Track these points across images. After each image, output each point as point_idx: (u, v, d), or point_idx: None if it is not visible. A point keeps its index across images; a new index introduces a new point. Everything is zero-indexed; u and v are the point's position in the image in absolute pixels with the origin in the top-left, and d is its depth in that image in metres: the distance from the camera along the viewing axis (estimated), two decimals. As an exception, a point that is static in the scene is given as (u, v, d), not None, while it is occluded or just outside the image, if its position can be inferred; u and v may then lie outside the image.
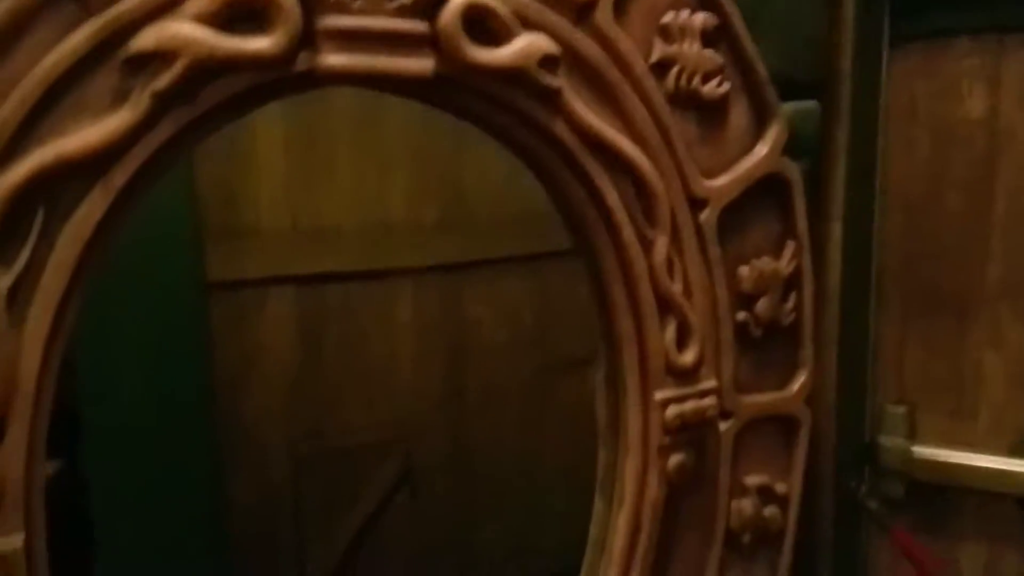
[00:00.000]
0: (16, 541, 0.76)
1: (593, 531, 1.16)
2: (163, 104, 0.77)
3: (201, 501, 1.93)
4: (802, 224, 1.14)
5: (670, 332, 1.07)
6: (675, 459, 1.09)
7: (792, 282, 1.15)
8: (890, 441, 1.48)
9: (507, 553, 2.28)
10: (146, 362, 1.90)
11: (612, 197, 0.99)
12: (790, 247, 1.15)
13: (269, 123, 2.07)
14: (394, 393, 2.20)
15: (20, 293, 0.74)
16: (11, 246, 0.74)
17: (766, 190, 1.12)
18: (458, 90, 0.91)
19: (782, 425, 1.20)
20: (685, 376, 1.09)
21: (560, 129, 0.95)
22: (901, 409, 1.49)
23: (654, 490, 1.09)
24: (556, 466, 2.31)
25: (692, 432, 1.10)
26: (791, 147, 1.12)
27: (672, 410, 1.08)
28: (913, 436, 1.48)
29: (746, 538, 1.18)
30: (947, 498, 1.48)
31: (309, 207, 2.14)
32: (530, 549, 2.25)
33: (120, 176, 0.77)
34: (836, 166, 1.30)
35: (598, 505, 1.16)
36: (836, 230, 1.31)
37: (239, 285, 2.05)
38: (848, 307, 1.34)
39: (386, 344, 2.22)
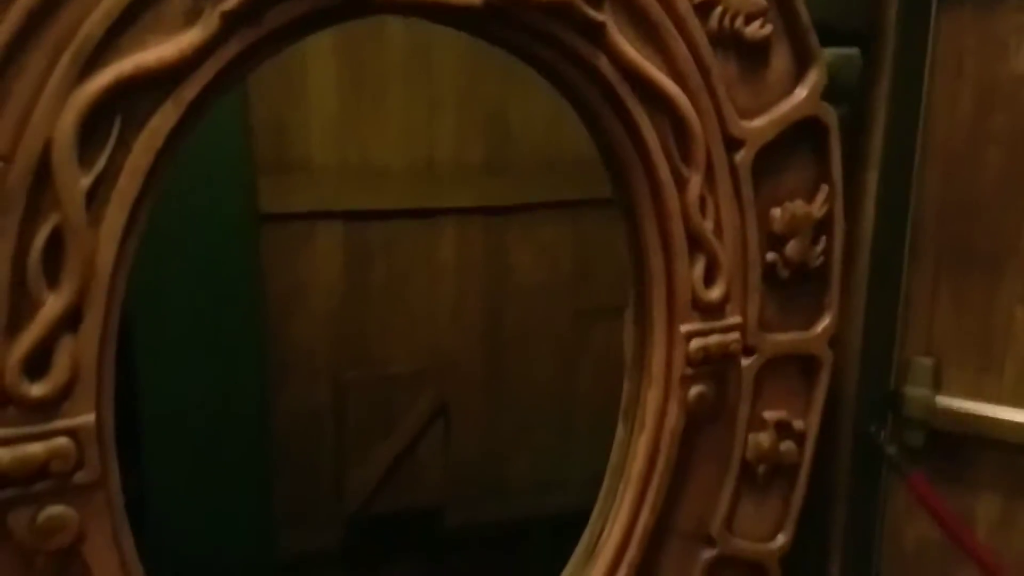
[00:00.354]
0: (89, 419, 0.84)
1: (614, 457, 1.22)
2: (231, 24, 0.83)
3: (247, 421, 2.03)
4: (836, 169, 1.17)
5: (699, 268, 1.11)
6: (696, 390, 1.15)
7: (823, 226, 1.18)
8: (914, 391, 1.51)
9: (536, 486, 2.36)
10: (199, 289, 2.00)
11: (650, 134, 1.03)
12: (823, 191, 1.18)
13: (322, 60, 2.13)
14: (433, 328, 2.28)
15: (98, 194, 0.81)
16: (91, 150, 0.80)
17: (803, 134, 1.15)
18: (505, 22, 0.95)
19: (804, 365, 1.24)
20: (711, 311, 1.13)
21: (602, 64, 0.99)
22: (928, 361, 1.51)
23: (674, 418, 1.14)
24: (586, 407, 2.38)
25: (714, 365, 1.15)
26: (830, 93, 1.14)
27: (696, 343, 1.13)
28: (938, 387, 1.51)
29: (761, 470, 1.23)
30: (967, 449, 1.51)
31: (358, 144, 2.21)
32: (558, 483, 2.33)
33: (190, 91, 0.84)
34: (876, 115, 1.31)
35: (620, 432, 1.22)
36: (872, 179, 1.33)
37: (289, 218, 2.14)
38: (880, 256, 1.37)
39: (428, 281, 2.29)
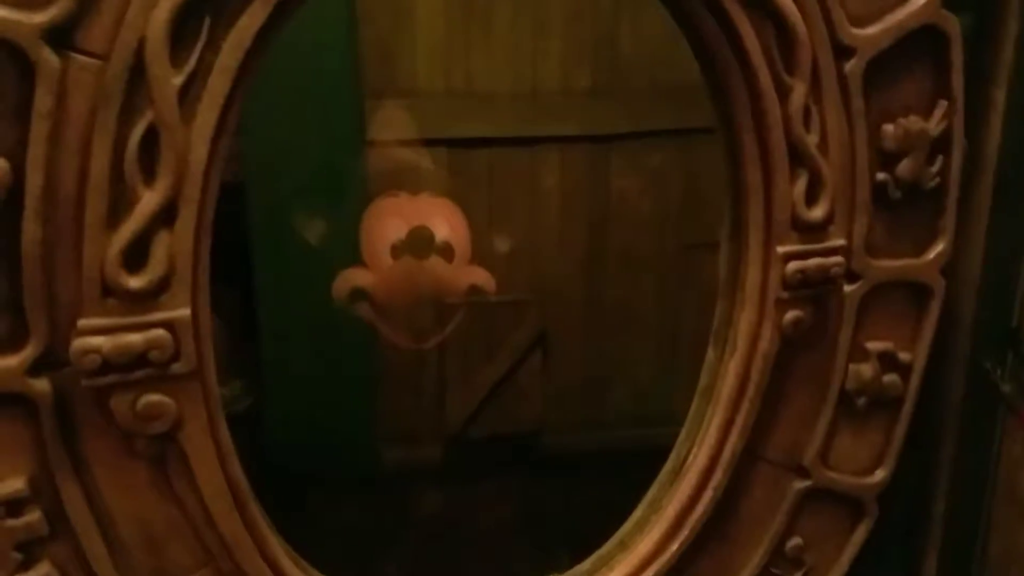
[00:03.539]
0: (185, 313, 0.87)
1: (703, 379, 1.20)
2: (317, -78, 0.83)
3: (356, 340, 2.09)
4: (957, 83, 1.08)
5: (800, 185, 1.05)
6: (792, 314, 1.10)
7: (940, 144, 1.10)
8: (1038, 330, 1.41)
9: (634, 419, 2.36)
10: (312, 208, 2.06)
11: (750, 38, 0.98)
12: (941, 107, 1.09)
13: (430, -15, 2.13)
14: (535, 256, 2.28)
15: (190, 92, 0.83)
16: (182, 50, 0.82)
17: (921, 43, 1.06)
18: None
19: (913, 293, 1.17)
20: (812, 232, 1.08)
21: (699, -39, 0.94)
22: (1054, 298, 1.40)
23: (767, 342, 1.10)
24: (688, 341, 2.34)
25: (813, 289, 1.10)
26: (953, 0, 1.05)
27: (793, 265, 1.08)
28: (1064, 327, 1.40)
29: (861, 401, 1.18)
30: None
31: (463, 70, 2.20)
32: (657, 417, 2.31)
33: (278, -10, 0.84)
34: (1006, 27, 1.20)
35: (710, 354, 1.19)
36: (999, 96, 1.23)
37: (395, 144, 2.16)
38: (1005, 180, 1.27)
39: (531, 210, 2.28)
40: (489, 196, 2.26)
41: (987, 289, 1.33)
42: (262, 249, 2.03)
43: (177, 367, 0.88)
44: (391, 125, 2.15)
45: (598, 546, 1.22)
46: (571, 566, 1.21)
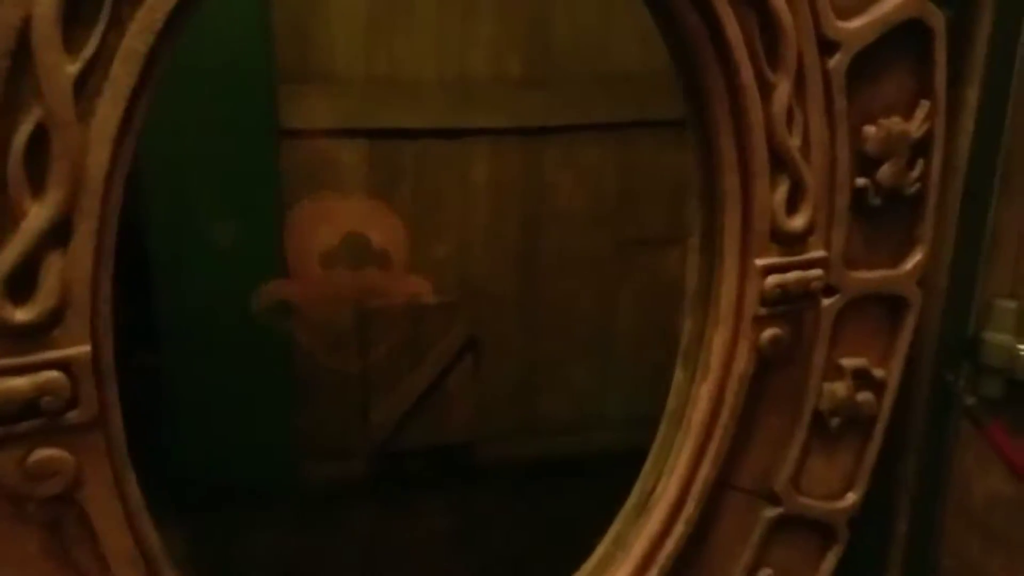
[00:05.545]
0: (83, 350, 0.72)
1: (671, 402, 1.10)
2: None
3: (268, 348, 1.94)
4: (941, 81, 1.02)
5: (781, 192, 0.97)
6: (770, 332, 1.02)
7: (921, 147, 1.04)
8: (995, 337, 1.37)
9: (569, 424, 2.26)
10: (217, 205, 1.89)
11: (732, 29, 0.88)
12: (923, 107, 1.02)
13: (349, -38, 1.97)
14: (464, 255, 2.16)
15: (89, 83, 0.68)
16: (78, 32, 0.67)
17: (904, 39, 0.99)
18: None
19: (888, 306, 1.10)
20: (792, 243, 1.00)
21: (683, -55, 0.84)
22: (1012, 304, 1.36)
23: (743, 363, 1.02)
24: (624, 342, 2.26)
25: (791, 304, 1.02)
26: (938, -8, 0.98)
27: (773, 279, 0.99)
28: (1021, 334, 1.37)
29: (835, 422, 1.11)
30: (1050, 402, 1.38)
31: (386, 56, 2.05)
32: (593, 422, 2.23)
33: (195, -39, 0.70)
34: (979, 22, 1.14)
35: (679, 376, 1.10)
36: (971, 96, 1.17)
37: (311, 134, 2.00)
38: (974, 186, 1.21)
39: (460, 205, 2.16)
40: (414, 191, 2.12)
41: (951, 298, 1.28)
42: (160, 250, 1.85)
43: (74, 415, 0.73)
44: (307, 113, 1.99)
45: (539, 560, 1.12)
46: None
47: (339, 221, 1.56)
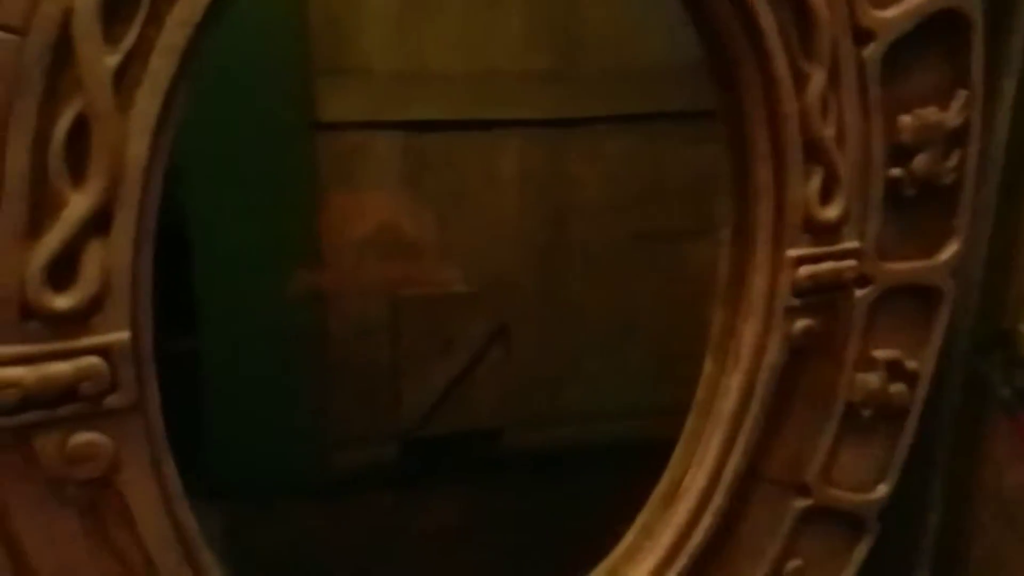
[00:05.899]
0: (122, 336, 0.74)
1: (701, 393, 1.10)
2: None
3: (301, 338, 1.96)
4: (978, 71, 1.00)
5: (815, 183, 0.96)
6: (802, 323, 1.01)
7: (957, 138, 1.02)
8: (1029, 329, 1.35)
9: (591, 415, 2.26)
10: (252, 198, 1.91)
11: (766, 19, 0.88)
12: (960, 97, 1.01)
13: (382, -43, 1.98)
14: (494, 245, 2.16)
15: (128, 75, 0.69)
16: (118, 24, 0.68)
17: (940, 28, 0.98)
18: None
19: (922, 297, 1.09)
20: (825, 234, 0.99)
21: (716, -66, 0.83)
22: (1048, 296, 1.35)
23: (774, 354, 1.02)
24: (647, 334, 2.25)
25: (824, 296, 1.01)
26: (975, -19, 0.97)
27: (805, 270, 0.99)
28: (1057, 326, 1.35)
29: (867, 413, 1.10)
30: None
31: (418, 50, 2.06)
32: (615, 413, 2.22)
33: (232, -46, 0.71)
34: (1018, 11, 1.13)
35: (708, 367, 1.10)
36: (1008, 87, 1.16)
37: (346, 127, 2.01)
38: (1011, 176, 1.20)
39: (487, 197, 2.16)
40: (445, 180, 2.12)
41: (987, 289, 1.27)
42: (200, 241, 1.87)
43: (113, 400, 0.74)
44: (342, 106, 2.00)
45: (566, 547, 1.12)
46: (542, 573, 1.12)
47: (372, 212, 1.57)
